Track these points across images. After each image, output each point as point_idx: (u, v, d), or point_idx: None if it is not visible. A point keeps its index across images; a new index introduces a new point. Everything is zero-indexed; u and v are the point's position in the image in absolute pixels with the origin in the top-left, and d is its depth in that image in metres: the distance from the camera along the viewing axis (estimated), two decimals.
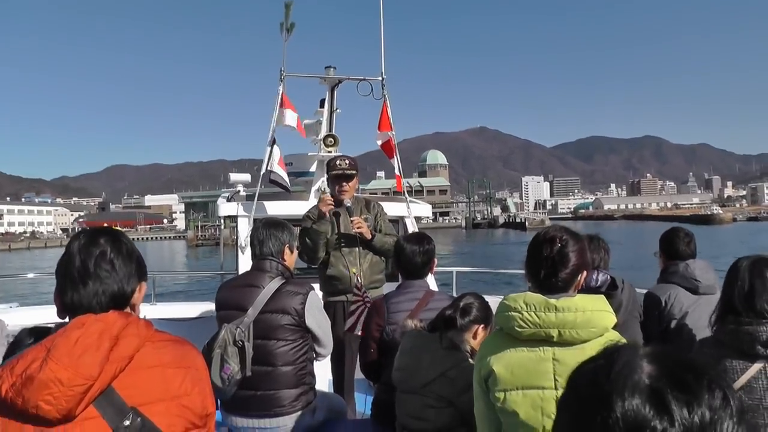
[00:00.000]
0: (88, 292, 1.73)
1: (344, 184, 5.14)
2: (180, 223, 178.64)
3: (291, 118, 6.22)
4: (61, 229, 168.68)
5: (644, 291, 4.24)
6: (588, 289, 3.54)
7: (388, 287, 6.15)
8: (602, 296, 2.35)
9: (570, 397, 0.90)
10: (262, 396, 3.51)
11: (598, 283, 3.70)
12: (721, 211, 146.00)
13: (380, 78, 6.54)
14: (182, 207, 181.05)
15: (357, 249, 5.09)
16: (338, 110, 6.76)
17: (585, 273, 2.41)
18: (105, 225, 1.94)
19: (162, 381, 1.67)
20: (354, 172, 5.18)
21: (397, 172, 6.70)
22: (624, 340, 2.24)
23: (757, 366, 2.48)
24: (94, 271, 1.75)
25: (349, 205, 5.11)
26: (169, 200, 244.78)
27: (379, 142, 6.61)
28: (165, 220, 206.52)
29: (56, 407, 1.48)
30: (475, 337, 3.08)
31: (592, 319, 2.21)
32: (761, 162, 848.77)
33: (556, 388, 2.20)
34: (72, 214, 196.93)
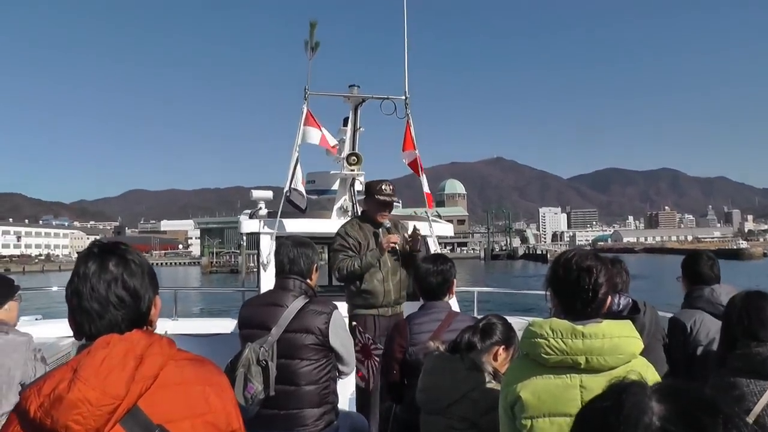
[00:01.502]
0: (104, 324, 1.73)
1: (388, 210, 5.31)
2: (195, 248, 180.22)
3: (315, 135, 6.25)
4: (77, 252, 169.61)
5: (668, 315, 4.17)
6: (610, 313, 3.52)
7: (409, 307, 6.15)
8: (629, 322, 2.36)
9: None
10: (286, 415, 3.48)
11: (620, 306, 3.68)
12: (747, 245, 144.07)
13: (404, 97, 6.56)
14: (198, 233, 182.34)
15: (389, 266, 5.21)
16: (362, 129, 6.80)
17: (610, 298, 2.44)
18: (115, 242, 1.95)
19: (186, 398, 1.68)
20: (396, 198, 5.36)
21: (426, 189, 6.72)
22: (652, 368, 2.31)
23: None
24: (109, 302, 1.74)
25: (388, 226, 5.30)
26: (185, 225, 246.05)
27: (406, 161, 6.65)
28: (180, 246, 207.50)
29: (85, 427, 1.50)
30: (495, 358, 3.05)
31: (620, 346, 2.21)
32: None
33: None
34: (88, 238, 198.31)
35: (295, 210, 6.05)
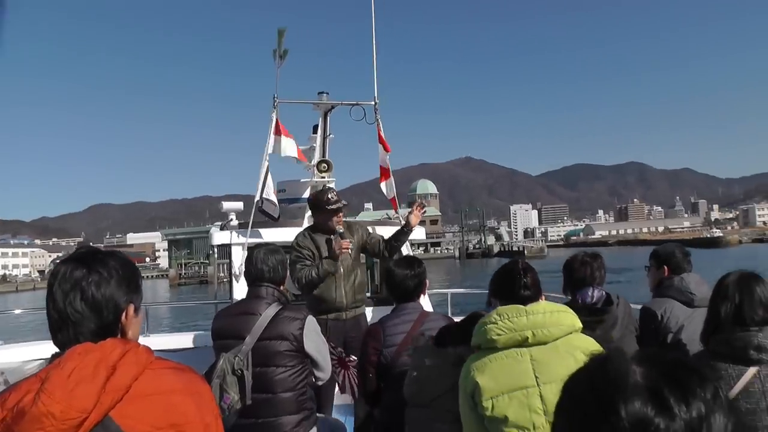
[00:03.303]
0: (68, 336, 1.69)
1: (339, 216, 5.36)
2: (163, 261, 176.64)
3: (290, 147, 6.28)
4: (38, 271, 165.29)
5: (639, 306, 4.26)
6: (584, 305, 3.62)
7: (379, 311, 6.19)
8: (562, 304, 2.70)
9: (568, 404, 0.93)
10: (264, 423, 3.48)
11: (594, 299, 3.75)
12: (722, 234, 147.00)
13: (373, 102, 6.61)
14: (165, 245, 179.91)
15: (341, 271, 5.31)
16: (331, 135, 6.82)
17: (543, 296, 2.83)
18: (91, 248, 1.90)
19: (162, 409, 1.63)
20: (344, 203, 5.43)
21: (392, 194, 6.80)
22: (591, 339, 2.58)
23: (752, 370, 2.59)
24: (68, 314, 1.69)
25: (342, 231, 5.33)
26: (153, 238, 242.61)
27: (381, 165, 6.76)
28: (147, 259, 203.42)
29: None
30: None
31: (560, 318, 2.50)
32: (743, 185, 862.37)
33: (538, 385, 2.40)
34: (50, 255, 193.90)
35: (268, 219, 6.06)
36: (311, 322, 3.67)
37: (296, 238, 5.43)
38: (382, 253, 5.65)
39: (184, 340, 6.29)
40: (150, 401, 1.62)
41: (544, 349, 2.45)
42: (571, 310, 2.58)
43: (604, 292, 3.80)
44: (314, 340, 3.65)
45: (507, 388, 2.41)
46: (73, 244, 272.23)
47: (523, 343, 2.44)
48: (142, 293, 1.87)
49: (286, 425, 3.50)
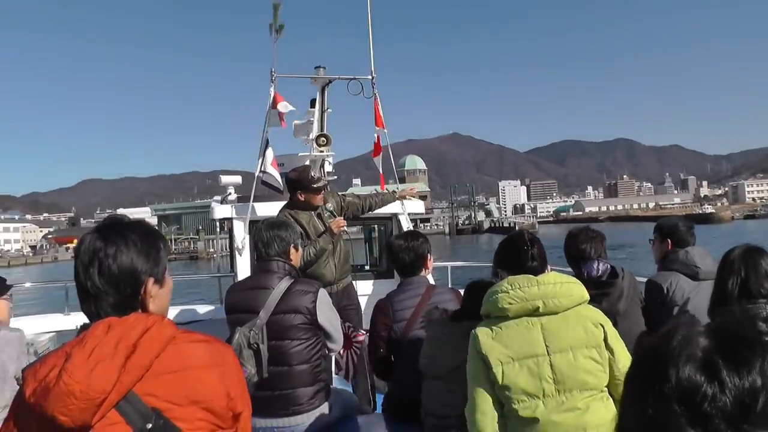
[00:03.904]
0: (90, 309, 1.71)
1: (322, 194, 5.42)
2: None
3: (283, 106, 6.22)
4: (30, 246, 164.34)
5: (644, 279, 4.29)
6: (590, 279, 3.66)
7: (379, 285, 6.23)
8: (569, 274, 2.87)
9: (633, 370, 0.96)
10: (280, 395, 3.52)
11: (599, 272, 3.78)
12: (714, 210, 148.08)
13: (370, 77, 6.58)
14: (155, 220, 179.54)
15: (330, 246, 5.36)
16: (329, 109, 6.79)
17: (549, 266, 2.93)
18: (114, 218, 1.88)
19: (184, 386, 1.64)
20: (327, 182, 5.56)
21: (380, 170, 6.84)
22: (598, 310, 2.65)
23: None
24: (88, 288, 1.70)
25: (331, 209, 5.50)
26: (142, 213, 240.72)
27: (376, 139, 6.77)
28: None
29: (72, 419, 1.49)
30: None
31: (570, 289, 2.55)
32: (731, 162, 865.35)
33: (548, 354, 2.46)
34: (41, 230, 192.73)
35: (272, 191, 6.05)
36: (323, 294, 3.70)
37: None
38: (361, 210, 5.81)
39: (191, 312, 6.26)
40: (172, 378, 1.63)
41: (555, 318, 2.50)
42: (580, 282, 2.64)
43: (608, 265, 3.83)
44: (326, 313, 3.68)
45: (518, 356, 2.46)
46: (64, 219, 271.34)
47: (534, 313, 2.49)
48: (164, 265, 1.82)
49: (302, 397, 3.55)
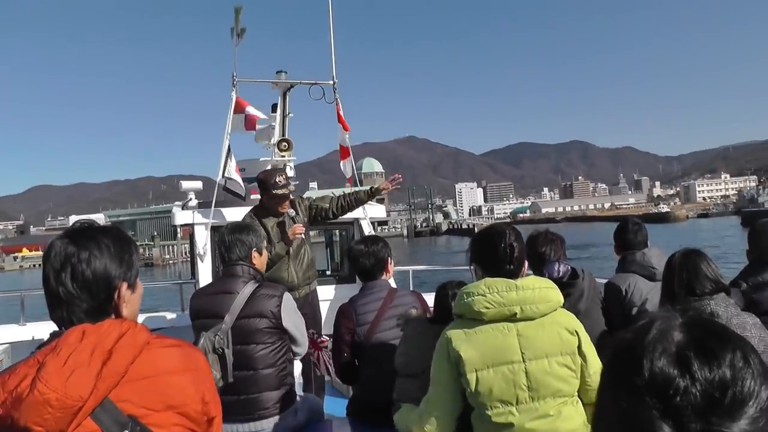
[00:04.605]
0: (62, 315, 1.67)
1: (286, 200, 5.32)
2: None
3: (254, 110, 6.21)
4: None
5: (604, 281, 4.39)
6: (551, 280, 3.71)
7: (341, 290, 6.24)
8: (545, 278, 2.68)
9: (609, 363, 0.97)
10: (245, 400, 3.51)
11: (560, 273, 3.86)
12: (669, 209, 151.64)
13: (332, 82, 6.60)
14: None
15: (291, 251, 5.33)
16: (291, 114, 6.78)
17: (526, 263, 2.74)
18: (86, 223, 1.86)
19: (159, 391, 1.63)
20: (293, 189, 5.39)
21: (348, 175, 6.84)
22: (571, 314, 2.62)
23: None
24: (60, 294, 1.66)
25: (294, 215, 5.38)
26: (96, 220, 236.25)
27: (341, 144, 6.78)
28: None
29: (47, 428, 1.45)
30: None
31: (548, 294, 2.51)
32: (681, 163, 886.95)
33: (523, 361, 2.42)
34: None
35: (234, 198, 6.01)
36: (288, 298, 3.70)
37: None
38: (332, 212, 5.64)
39: (155, 320, 6.15)
40: (147, 384, 1.61)
41: (531, 325, 2.46)
42: (556, 286, 2.59)
43: (569, 267, 3.93)
44: (292, 317, 3.69)
45: (493, 362, 2.42)
46: (11, 227, 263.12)
47: (511, 318, 2.45)
48: (137, 269, 1.81)
49: (267, 401, 3.54)
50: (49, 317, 1.71)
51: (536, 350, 2.43)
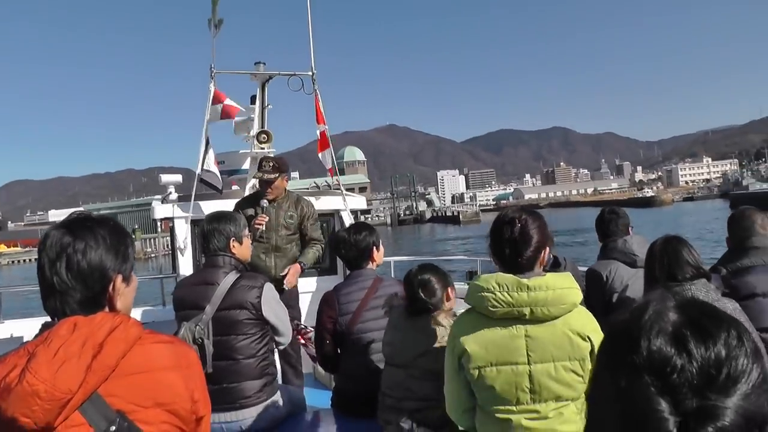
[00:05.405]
0: (55, 305, 1.66)
1: (269, 188, 5.32)
2: None
3: (232, 102, 6.21)
4: None
5: (585, 268, 4.42)
6: None
7: (323, 281, 6.22)
8: (569, 274, 2.49)
9: (606, 343, 1.00)
10: (227, 389, 3.51)
11: None
12: (654, 194, 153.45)
13: (310, 73, 6.57)
14: None
15: (273, 243, 5.32)
16: (270, 106, 6.74)
17: (547, 249, 2.53)
18: (82, 214, 1.81)
19: (149, 387, 1.62)
20: (275, 175, 5.30)
21: (328, 165, 6.81)
22: (591, 315, 2.48)
23: None
24: (54, 283, 1.65)
25: (266, 206, 5.35)
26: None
27: (322, 134, 6.76)
28: None
29: (34, 420, 1.44)
30: (448, 299, 3.21)
31: (563, 296, 2.35)
32: (662, 147, 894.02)
33: (528, 363, 2.36)
34: None
35: (211, 191, 5.98)
36: (269, 289, 3.68)
37: (238, 202, 5.46)
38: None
39: (140, 314, 6.09)
40: (136, 379, 1.60)
41: (541, 328, 2.36)
42: (577, 285, 2.45)
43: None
44: (273, 307, 3.68)
45: (497, 361, 2.38)
46: None
47: (520, 319, 2.36)
48: (132, 262, 1.80)
49: (249, 390, 3.54)
50: (43, 308, 1.69)
51: (543, 354, 2.35)
